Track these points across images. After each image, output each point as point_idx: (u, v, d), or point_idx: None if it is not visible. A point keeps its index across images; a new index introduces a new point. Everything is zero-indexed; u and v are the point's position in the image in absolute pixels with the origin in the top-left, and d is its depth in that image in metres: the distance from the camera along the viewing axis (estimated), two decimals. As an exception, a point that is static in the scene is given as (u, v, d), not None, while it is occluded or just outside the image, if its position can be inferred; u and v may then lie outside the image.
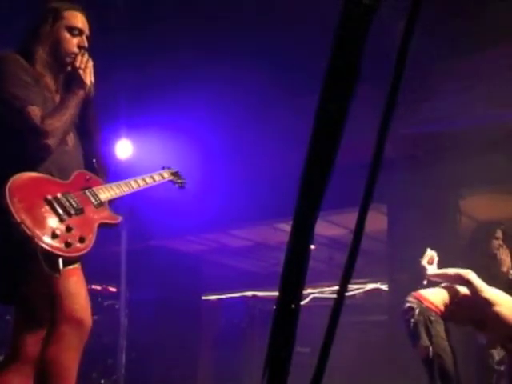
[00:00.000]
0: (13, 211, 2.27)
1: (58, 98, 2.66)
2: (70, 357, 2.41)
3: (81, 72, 2.66)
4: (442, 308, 4.28)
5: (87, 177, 2.64)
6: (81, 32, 2.71)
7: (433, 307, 4.27)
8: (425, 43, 4.57)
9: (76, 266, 2.48)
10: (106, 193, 2.65)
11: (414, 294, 4.36)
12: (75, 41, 2.69)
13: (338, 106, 0.75)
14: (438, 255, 4.51)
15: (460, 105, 5.46)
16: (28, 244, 2.27)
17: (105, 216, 2.60)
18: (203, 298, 10.00)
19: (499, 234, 4.82)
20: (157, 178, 2.97)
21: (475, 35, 4.92)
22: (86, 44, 2.72)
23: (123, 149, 6.64)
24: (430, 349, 4.11)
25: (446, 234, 6.19)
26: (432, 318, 4.22)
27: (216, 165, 6.97)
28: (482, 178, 5.74)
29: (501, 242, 4.80)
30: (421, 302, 4.29)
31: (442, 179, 6.14)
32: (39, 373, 2.41)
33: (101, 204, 2.60)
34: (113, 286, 7.61)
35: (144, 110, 6.08)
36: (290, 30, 5.04)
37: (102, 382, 6.41)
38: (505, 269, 4.75)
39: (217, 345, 9.90)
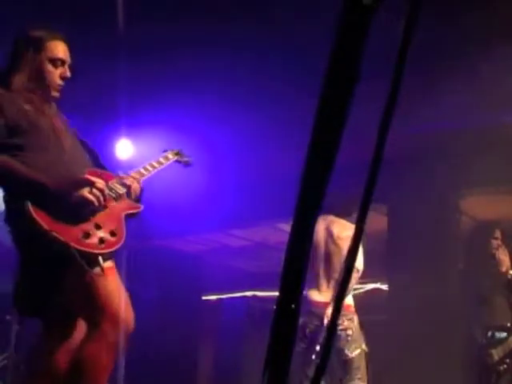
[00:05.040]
0: (40, 221, 2.28)
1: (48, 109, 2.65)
2: (109, 356, 2.41)
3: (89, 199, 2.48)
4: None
5: (99, 173, 2.64)
6: (63, 62, 2.70)
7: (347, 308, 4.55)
8: (425, 43, 4.57)
9: (111, 265, 2.48)
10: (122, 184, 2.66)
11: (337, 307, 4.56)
12: (58, 72, 2.68)
13: (338, 106, 0.75)
14: (438, 255, 4.53)
15: (460, 105, 5.46)
16: (63, 250, 2.26)
17: (127, 207, 2.64)
18: (203, 297, 9.99)
19: (498, 234, 4.84)
20: (163, 160, 2.99)
21: (475, 35, 4.92)
22: (68, 74, 2.71)
23: (123, 149, 6.64)
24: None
25: (445, 234, 6.19)
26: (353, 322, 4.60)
27: (216, 165, 6.97)
28: (481, 178, 5.73)
29: (499, 242, 4.81)
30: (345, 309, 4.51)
31: (442, 179, 6.14)
32: (74, 370, 2.39)
33: (120, 196, 2.62)
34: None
35: (144, 109, 6.07)
36: (290, 30, 5.04)
37: (102, 381, 6.41)
38: (503, 269, 4.76)
39: (217, 345, 9.89)
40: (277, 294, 0.78)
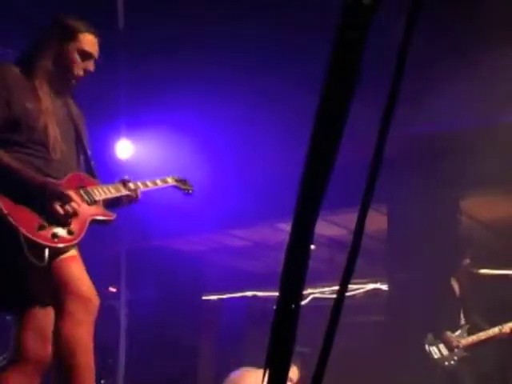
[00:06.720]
0: (0, 204, 2.35)
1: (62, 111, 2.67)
2: (82, 331, 2.46)
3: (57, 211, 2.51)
4: None
5: (82, 177, 2.71)
6: (90, 57, 2.74)
7: None
8: (425, 43, 4.57)
9: (74, 253, 2.54)
10: (101, 192, 2.71)
11: None
12: (83, 65, 2.71)
13: (338, 106, 0.75)
14: (438, 255, 4.54)
15: (460, 105, 5.46)
16: (13, 236, 2.33)
17: (97, 213, 2.68)
18: (203, 297, 10.00)
19: (497, 234, 4.88)
20: (159, 182, 3.03)
21: (475, 35, 4.92)
22: (92, 69, 2.75)
23: (123, 149, 6.63)
24: None
25: (446, 234, 6.19)
26: None
27: (216, 165, 6.97)
28: (482, 178, 5.73)
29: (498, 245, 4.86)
30: None
31: (442, 179, 6.14)
32: (57, 351, 2.46)
33: (94, 202, 2.66)
34: (113, 286, 7.60)
35: (144, 109, 6.07)
36: (291, 29, 5.04)
37: (102, 382, 6.40)
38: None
39: (217, 345, 9.89)
40: (277, 293, 0.78)
